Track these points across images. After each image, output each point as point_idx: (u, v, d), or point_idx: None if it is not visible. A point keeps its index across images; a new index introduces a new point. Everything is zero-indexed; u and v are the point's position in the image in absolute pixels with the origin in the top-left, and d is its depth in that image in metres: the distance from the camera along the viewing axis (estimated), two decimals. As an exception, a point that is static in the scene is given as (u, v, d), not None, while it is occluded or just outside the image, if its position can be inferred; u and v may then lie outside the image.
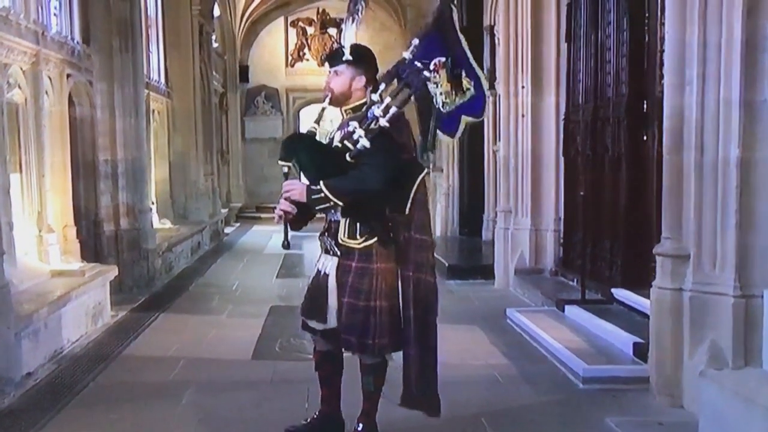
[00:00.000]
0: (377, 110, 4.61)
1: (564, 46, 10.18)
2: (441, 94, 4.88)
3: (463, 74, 4.93)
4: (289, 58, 27.08)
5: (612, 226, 8.68)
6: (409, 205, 4.70)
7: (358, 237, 4.72)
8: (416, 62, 4.75)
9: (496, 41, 12.57)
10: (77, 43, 9.94)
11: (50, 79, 8.95)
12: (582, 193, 9.10)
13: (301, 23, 27.05)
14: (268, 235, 17.11)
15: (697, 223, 5.66)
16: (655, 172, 7.38)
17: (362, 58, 4.94)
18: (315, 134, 4.87)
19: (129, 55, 10.80)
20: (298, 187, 4.69)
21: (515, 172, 10.95)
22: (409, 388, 4.89)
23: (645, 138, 8.04)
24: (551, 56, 10.40)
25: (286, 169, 4.83)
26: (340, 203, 4.62)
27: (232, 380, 6.65)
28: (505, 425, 5.65)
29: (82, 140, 10.36)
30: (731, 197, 5.43)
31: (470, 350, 7.73)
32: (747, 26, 5.32)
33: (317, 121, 4.98)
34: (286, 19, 27.07)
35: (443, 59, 4.83)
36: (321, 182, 4.57)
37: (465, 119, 5.03)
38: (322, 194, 4.56)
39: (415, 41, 4.92)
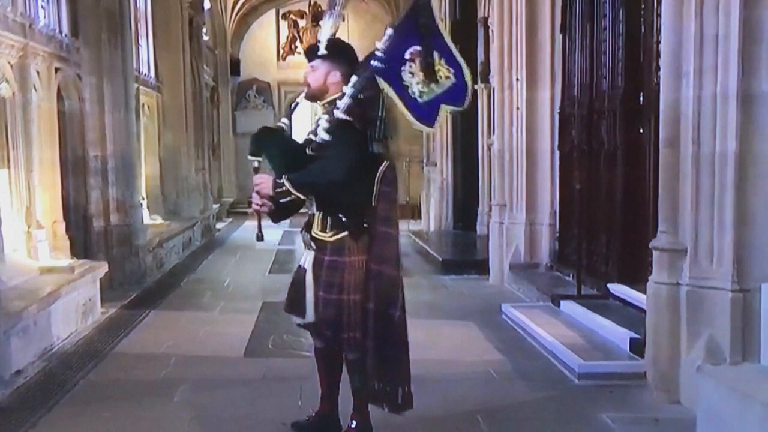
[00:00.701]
0: (340, 103, 4.73)
1: (559, 38, 10.17)
2: (417, 83, 4.86)
3: (443, 62, 4.90)
4: (281, 51, 27.07)
5: (608, 220, 8.68)
6: (374, 197, 4.74)
7: (328, 231, 4.80)
8: (381, 52, 4.76)
9: (491, 33, 12.57)
10: (65, 36, 9.92)
11: (38, 72, 8.93)
12: (577, 187, 9.11)
13: (292, 16, 27.03)
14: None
15: (693, 217, 5.66)
16: (652, 165, 7.39)
17: (338, 52, 4.97)
18: (284, 129, 5.03)
19: (118, 49, 10.75)
20: (266, 181, 4.81)
21: (510, 166, 10.94)
22: (368, 381, 4.88)
23: (641, 131, 8.03)
24: (546, 49, 10.38)
25: (256, 164, 4.94)
26: (302, 196, 4.74)
27: (225, 377, 6.65)
28: (500, 422, 5.65)
29: (71, 135, 10.33)
30: (728, 191, 5.44)
31: (464, 346, 7.74)
32: (745, 17, 5.31)
33: (288, 116, 5.16)
34: (277, 12, 27.05)
35: (419, 48, 4.82)
36: (284, 176, 4.68)
37: (445, 108, 4.99)
38: (284, 187, 4.68)
39: (389, 31, 4.91)
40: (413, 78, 4.84)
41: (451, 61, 4.95)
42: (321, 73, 4.91)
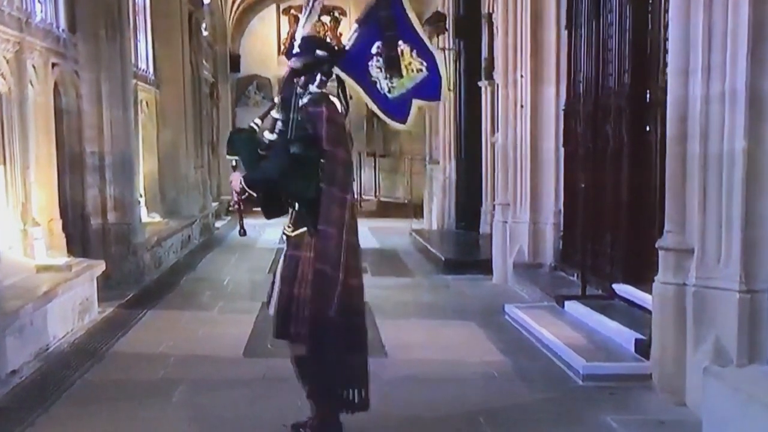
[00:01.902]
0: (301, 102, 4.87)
1: (564, 34, 10.16)
2: (385, 78, 4.83)
3: (414, 54, 4.86)
4: (282, 47, 27.01)
5: (613, 219, 8.66)
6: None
7: (293, 226, 4.99)
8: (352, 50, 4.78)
9: (495, 29, 12.55)
10: (63, 31, 9.93)
11: (35, 68, 8.94)
12: (582, 186, 9.10)
13: (293, 11, 26.96)
14: (261, 229, 17.09)
15: (701, 216, 5.65)
16: (658, 163, 7.37)
17: (309, 50, 4.99)
18: (255, 130, 5.15)
19: (116, 44, 10.76)
20: (236, 179, 5.04)
21: (514, 164, 10.94)
22: (307, 380, 5.06)
23: (647, 129, 8.02)
24: (551, 45, 10.36)
25: (234, 163, 5.19)
26: (253, 193, 4.98)
27: (224, 378, 6.65)
28: (502, 424, 5.65)
29: (68, 131, 10.33)
30: (736, 190, 5.42)
31: (466, 347, 7.74)
32: (755, 12, 5.28)
33: (261, 118, 5.22)
34: (278, 7, 27.05)
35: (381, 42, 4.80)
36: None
37: (417, 103, 4.93)
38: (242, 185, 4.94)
39: (355, 26, 4.89)
40: (381, 73, 4.82)
41: (423, 53, 4.89)
42: None
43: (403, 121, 4.93)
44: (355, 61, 4.86)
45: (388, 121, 4.91)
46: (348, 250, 4.81)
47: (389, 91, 4.80)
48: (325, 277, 4.80)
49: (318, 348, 4.86)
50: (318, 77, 4.91)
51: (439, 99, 5.00)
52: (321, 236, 4.83)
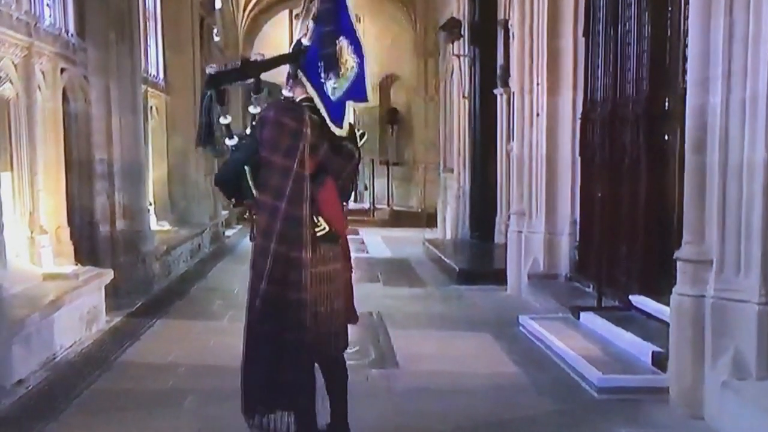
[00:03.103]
0: None
1: (582, 41, 10.15)
2: (328, 78, 4.74)
3: (350, 51, 4.74)
4: (294, 52, 27.05)
5: (630, 229, 8.64)
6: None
7: None
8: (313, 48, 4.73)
9: (511, 36, 12.55)
10: (72, 35, 9.96)
11: (43, 73, 8.97)
12: (599, 195, 9.08)
13: (306, 17, 27.04)
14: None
15: (720, 226, 5.64)
16: (677, 173, 7.37)
17: (295, 54, 4.99)
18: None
19: (126, 49, 10.79)
20: None
21: (529, 173, 10.92)
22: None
23: (666, 137, 8.01)
24: (568, 52, 10.35)
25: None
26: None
27: (234, 388, 6.58)
28: (516, 437, 5.64)
29: (77, 137, 10.35)
30: (757, 200, 5.41)
31: (480, 358, 7.73)
32: (776, 19, 5.29)
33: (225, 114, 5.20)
34: (290, 12, 27.05)
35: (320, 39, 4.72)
36: None
37: (350, 105, 4.80)
38: None
39: (311, 24, 4.83)
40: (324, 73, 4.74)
41: (357, 50, 4.76)
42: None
43: (339, 125, 4.77)
44: (310, 62, 4.77)
45: (332, 126, 4.76)
46: (278, 262, 4.69)
47: (332, 93, 4.69)
48: (252, 285, 4.81)
49: (243, 354, 4.85)
50: (289, 81, 4.93)
51: (366, 100, 4.86)
52: (253, 244, 4.87)
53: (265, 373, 4.77)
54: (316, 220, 4.75)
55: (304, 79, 4.78)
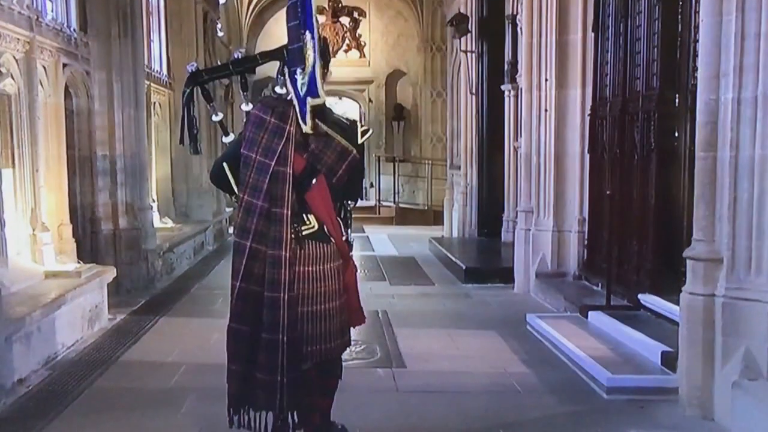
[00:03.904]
0: None
1: (591, 36, 10.13)
2: (299, 75, 4.71)
3: (310, 45, 4.70)
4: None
5: (640, 227, 8.63)
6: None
7: None
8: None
9: (519, 31, 12.54)
10: (74, 30, 9.97)
11: (45, 68, 8.98)
12: (608, 193, 9.06)
13: (312, 12, 27.02)
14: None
15: (731, 224, 5.63)
16: (687, 170, 7.36)
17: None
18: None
19: (129, 44, 10.82)
20: None
21: (537, 170, 10.91)
22: None
23: (676, 134, 8.00)
24: (577, 47, 10.33)
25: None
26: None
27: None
28: (523, 438, 5.64)
29: (79, 134, 10.38)
30: (768, 197, 5.40)
31: (487, 357, 7.72)
32: (789, 13, 5.28)
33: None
34: (295, 7, 27.07)
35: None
36: None
37: (310, 102, 4.73)
38: None
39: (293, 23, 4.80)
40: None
41: (315, 44, 4.70)
42: None
43: (305, 122, 4.72)
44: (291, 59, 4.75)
45: (302, 125, 4.73)
46: (255, 259, 4.69)
47: (302, 90, 4.66)
48: (231, 283, 4.80)
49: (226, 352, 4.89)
50: (279, 78, 4.94)
51: (318, 96, 4.78)
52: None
53: (241, 371, 4.79)
54: (306, 219, 4.76)
55: (286, 76, 4.78)
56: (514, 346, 8.13)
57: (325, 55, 4.85)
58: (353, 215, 5.25)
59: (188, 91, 5.09)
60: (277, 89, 4.91)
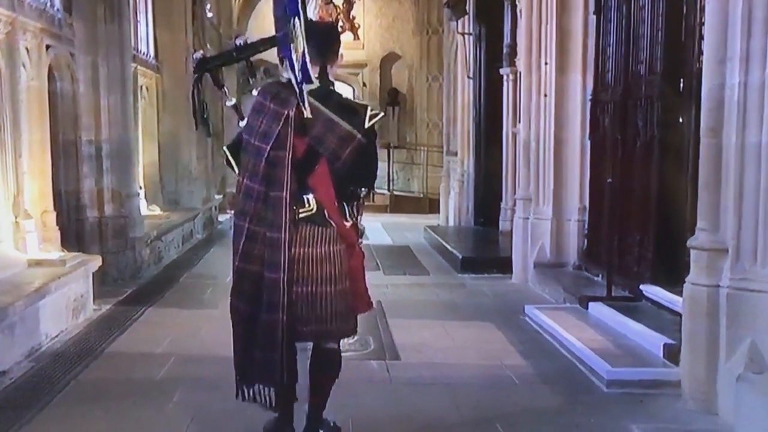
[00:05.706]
0: None
1: (592, 18, 10.12)
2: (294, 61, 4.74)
3: (298, 31, 4.70)
4: (291, 30, 26.99)
5: (642, 216, 8.64)
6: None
7: None
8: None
9: (518, 13, 12.51)
10: (57, 10, 9.92)
11: (27, 50, 8.93)
12: (609, 180, 9.07)
13: (303, -7, 26.96)
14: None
15: (736, 213, 5.62)
16: (691, 157, 7.36)
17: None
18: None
19: (115, 25, 10.78)
20: None
21: (536, 157, 10.92)
22: None
23: (680, 120, 7.99)
24: (578, 30, 10.32)
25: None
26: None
27: (226, 378, 6.59)
28: (520, 430, 5.65)
29: (63, 118, 10.34)
30: (775, 185, 5.41)
31: (484, 349, 7.73)
32: (797, -4, 5.27)
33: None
34: (286, -12, 27.01)
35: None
36: None
37: (306, 89, 4.76)
38: None
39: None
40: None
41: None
42: None
43: (304, 109, 4.75)
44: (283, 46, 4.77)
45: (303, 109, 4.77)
46: (254, 240, 4.80)
47: (297, 75, 4.68)
48: (232, 262, 4.91)
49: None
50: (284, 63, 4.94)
51: (311, 81, 4.81)
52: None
53: (241, 348, 4.92)
54: (305, 201, 4.81)
55: (286, 62, 4.78)
56: (511, 337, 8.14)
57: (330, 39, 5.12)
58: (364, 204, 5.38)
59: (196, 76, 5.14)
60: (284, 73, 4.91)
